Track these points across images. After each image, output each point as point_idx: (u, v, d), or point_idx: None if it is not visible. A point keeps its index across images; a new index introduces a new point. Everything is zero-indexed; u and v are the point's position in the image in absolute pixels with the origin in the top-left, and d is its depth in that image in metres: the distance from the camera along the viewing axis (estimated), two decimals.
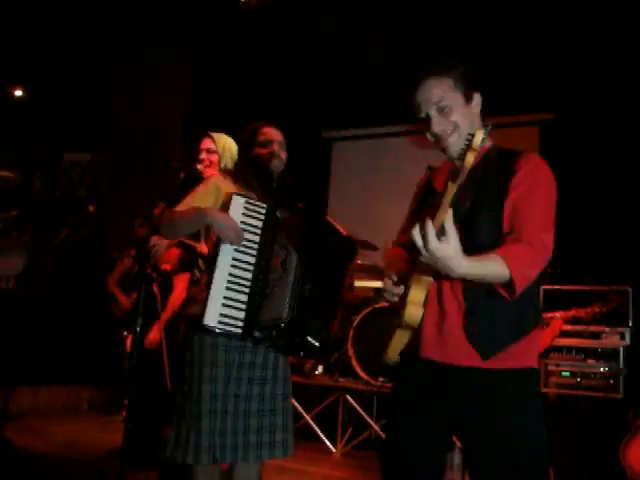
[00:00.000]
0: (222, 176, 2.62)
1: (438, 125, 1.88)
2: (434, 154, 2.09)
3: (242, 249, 2.34)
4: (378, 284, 5.73)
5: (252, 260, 2.35)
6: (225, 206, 2.39)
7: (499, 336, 1.76)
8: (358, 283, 5.79)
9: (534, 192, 1.77)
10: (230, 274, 2.30)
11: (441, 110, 1.87)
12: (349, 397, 4.83)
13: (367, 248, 5.55)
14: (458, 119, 1.87)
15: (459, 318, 1.78)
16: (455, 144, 1.88)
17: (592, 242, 5.26)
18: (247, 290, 2.31)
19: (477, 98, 1.92)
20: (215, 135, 3.22)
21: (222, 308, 2.25)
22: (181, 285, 3.75)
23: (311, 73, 6.91)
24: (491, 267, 1.64)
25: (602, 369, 4.21)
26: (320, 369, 5.39)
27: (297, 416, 4.95)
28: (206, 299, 2.25)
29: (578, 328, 4.28)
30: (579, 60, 5.81)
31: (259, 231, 2.38)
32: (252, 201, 2.39)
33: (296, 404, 4.95)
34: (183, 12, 6.32)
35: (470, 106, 1.90)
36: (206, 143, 3.22)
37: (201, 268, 3.05)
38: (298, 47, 6.56)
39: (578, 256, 4.80)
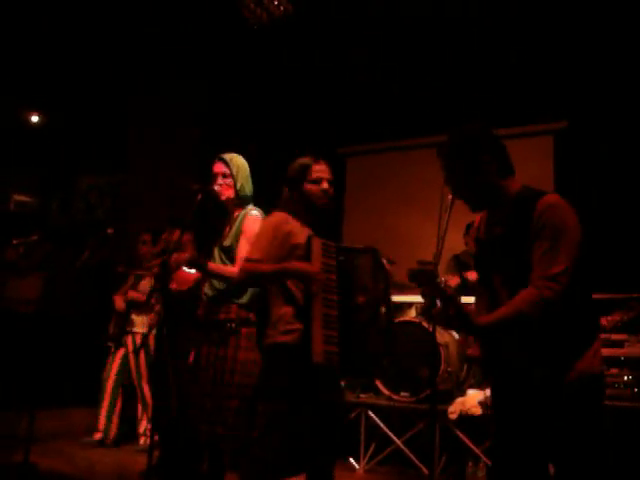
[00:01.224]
0: (280, 214, 2.74)
1: None
2: None
3: (328, 288, 2.55)
4: (396, 298, 5.71)
5: (336, 298, 2.57)
6: (304, 248, 2.58)
7: None
8: None
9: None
10: (324, 314, 2.52)
11: None
12: (371, 413, 4.80)
13: None
14: None
15: None
16: None
17: (610, 250, 5.21)
18: (336, 326, 2.53)
19: None
20: (227, 157, 3.22)
21: (324, 345, 2.48)
22: None
23: (323, 91, 6.96)
24: None
25: (625, 378, 4.17)
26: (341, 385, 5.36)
27: None
28: (310, 337, 2.47)
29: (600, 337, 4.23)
30: (590, 67, 5.81)
31: (334, 269, 2.59)
32: (326, 242, 2.62)
33: None
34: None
35: None
36: (219, 167, 3.22)
37: (217, 288, 3.07)
38: (310, 65, 6.62)
39: (597, 265, 4.75)
